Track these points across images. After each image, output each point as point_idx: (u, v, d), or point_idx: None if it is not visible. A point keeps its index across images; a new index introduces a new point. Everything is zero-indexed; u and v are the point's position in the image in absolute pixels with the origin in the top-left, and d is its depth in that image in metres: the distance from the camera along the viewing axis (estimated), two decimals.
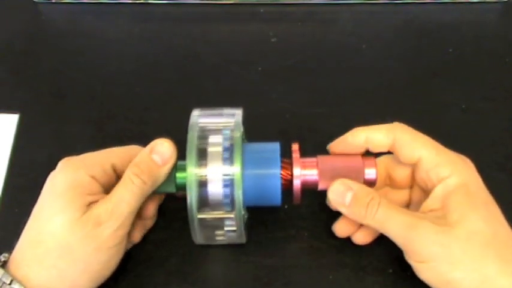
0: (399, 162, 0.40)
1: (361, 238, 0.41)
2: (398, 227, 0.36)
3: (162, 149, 0.38)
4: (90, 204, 0.37)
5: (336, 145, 0.40)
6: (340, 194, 0.38)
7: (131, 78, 0.54)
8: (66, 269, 0.36)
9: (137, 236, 0.42)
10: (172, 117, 0.49)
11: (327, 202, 0.41)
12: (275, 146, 0.40)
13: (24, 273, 0.35)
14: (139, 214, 0.40)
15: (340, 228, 0.42)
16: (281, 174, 0.39)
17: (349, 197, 0.37)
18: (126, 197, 0.37)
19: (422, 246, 0.36)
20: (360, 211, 0.37)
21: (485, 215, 0.36)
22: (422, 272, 0.37)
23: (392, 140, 0.39)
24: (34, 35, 0.57)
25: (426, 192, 0.39)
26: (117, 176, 0.39)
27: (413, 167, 0.40)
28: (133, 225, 0.39)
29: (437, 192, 0.37)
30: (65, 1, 0.59)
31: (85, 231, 0.36)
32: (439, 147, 0.39)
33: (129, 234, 0.40)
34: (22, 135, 0.50)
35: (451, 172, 0.37)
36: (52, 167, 0.39)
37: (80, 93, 0.52)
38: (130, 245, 0.41)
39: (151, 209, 0.41)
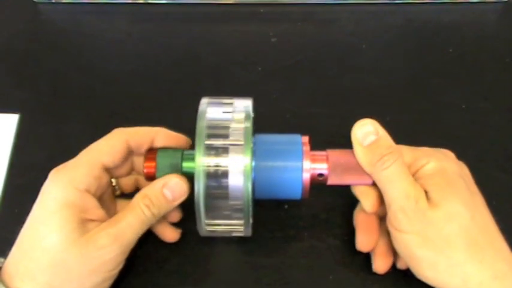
0: None
1: (381, 266, 0.41)
2: (398, 192, 0.36)
3: (175, 186, 0.38)
4: (85, 221, 0.36)
5: None
6: (364, 133, 0.37)
7: (131, 78, 0.54)
8: (60, 287, 0.36)
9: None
10: (173, 117, 0.50)
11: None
12: (296, 138, 0.39)
13: (19, 285, 0.35)
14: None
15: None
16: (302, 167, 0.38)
17: (370, 139, 0.37)
18: (135, 224, 0.37)
19: (406, 216, 0.36)
20: (372, 158, 0.37)
21: (465, 199, 0.36)
22: (396, 240, 0.37)
23: None
24: (34, 35, 0.57)
25: None
26: (109, 174, 0.40)
27: None
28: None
29: (416, 176, 0.37)
30: (65, 1, 0.59)
31: (84, 252, 0.35)
32: (416, 147, 0.39)
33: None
34: (22, 135, 0.50)
35: (428, 160, 0.38)
36: (52, 167, 0.39)
37: (80, 93, 0.52)
38: (117, 275, 0.39)
39: (173, 233, 0.42)
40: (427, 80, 0.53)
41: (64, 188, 0.37)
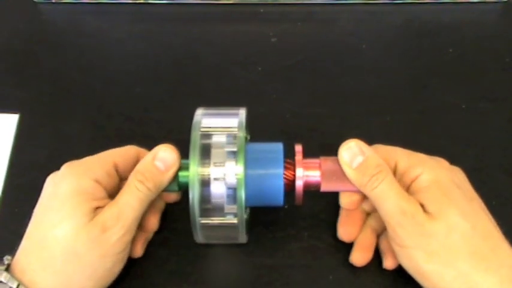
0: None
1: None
2: (392, 209, 0.36)
3: (165, 155, 0.38)
4: (95, 209, 0.37)
5: None
6: (351, 155, 0.38)
7: (131, 78, 0.54)
8: (73, 275, 0.36)
9: (138, 250, 0.41)
10: (172, 117, 0.50)
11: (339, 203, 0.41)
12: (278, 147, 0.40)
13: (31, 277, 0.35)
14: (140, 226, 0.40)
15: (357, 257, 0.42)
16: (284, 174, 0.39)
17: (358, 160, 0.37)
18: (132, 202, 0.37)
19: (406, 231, 0.36)
20: (362, 178, 0.37)
21: (464, 209, 0.36)
22: (401, 257, 0.38)
23: None
24: (34, 35, 0.57)
25: None
26: (120, 177, 0.40)
27: None
28: (134, 239, 0.39)
29: (412, 189, 0.38)
30: (65, 1, 0.59)
31: (91, 236, 0.36)
32: (411, 153, 0.39)
33: (131, 248, 0.40)
34: (22, 135, 0.50)
35: (422, 170, 0.38)
36: (52, 166, 0.39)
37: (80, 93, 0.52)
38: (127, 257, 0.40)
39: (154, 221, 0.42)
40: (427, 80, 0.53)
41: (77, 177, 0.37)
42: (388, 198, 0.37)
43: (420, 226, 0.36)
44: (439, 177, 0.37)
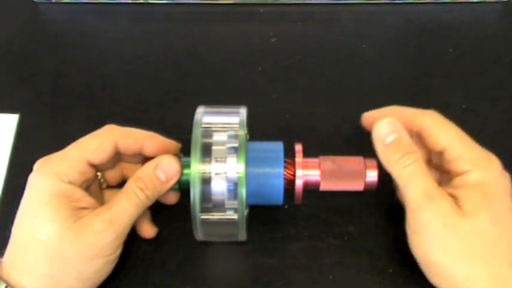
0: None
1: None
2: (418, 191, 0.36)
3: (167, 166, 0.38)
4: (77, 209, 0.36)
5: (369, 116, 0.42)
6: (386, 131, 0.37)
7: (131, 78, 0.54)
8: (60, 277, 0.36)
9: (149, 231, 0.42)
10: (172, 117, 0.50)
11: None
12: (279, 146, 0.40)
13: (18, 281, 0.35)
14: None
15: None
16: (283, 173, 0.39)
17: (392, 137, 0.37)
18: (128, 208, 0.37)
19: (427, 218, 0.35)
20: (394, 156, 0.37)
21: (496, 217, 0.35)
22: (415, 245, 0.37)
23: (420, 126, 0.39)
24: (34, 35, 0.57)
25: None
26: (95, 169, 0.40)
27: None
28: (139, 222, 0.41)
29: (454, 184, 0.37)
30: (65, 1, 0.59)
31: (80, 238, 0.35)
32: (465, 140, 0.38)
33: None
34: (22, 135, 0.50)
35: (472, 168, 0.37)
36: None
37: (80, 93, 0.52)
38: (118, 259, 0.39)
39: (149, 229, 0.42)
40: (427, 80, 0.53)
41: (50, 179, 0.37)
42: (418, 179, 0.36)
43: (445, 217, 0.35)
44: (486, 181, 0.36)
